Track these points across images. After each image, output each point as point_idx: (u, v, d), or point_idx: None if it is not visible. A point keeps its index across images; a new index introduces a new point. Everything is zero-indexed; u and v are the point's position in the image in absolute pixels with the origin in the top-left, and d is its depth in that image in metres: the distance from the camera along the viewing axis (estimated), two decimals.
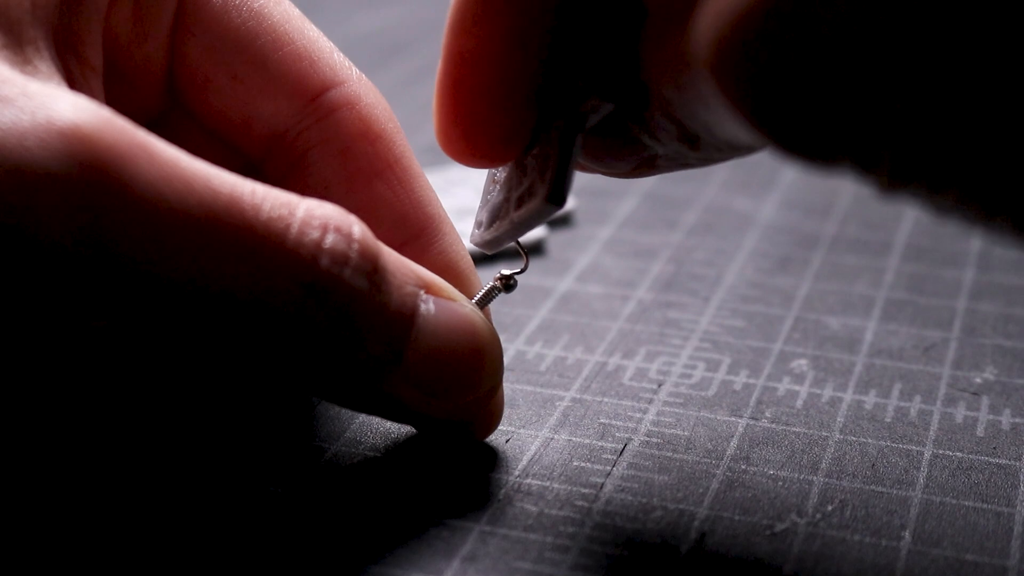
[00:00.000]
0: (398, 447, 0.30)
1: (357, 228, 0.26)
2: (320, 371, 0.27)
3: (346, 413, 0.31)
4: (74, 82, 0.27)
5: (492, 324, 0.29)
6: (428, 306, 0.27)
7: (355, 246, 0.26)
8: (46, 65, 0.26)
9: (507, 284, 0.30)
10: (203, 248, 0.24)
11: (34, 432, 0.30)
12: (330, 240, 0.26)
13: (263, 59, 0.30)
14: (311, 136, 0.30)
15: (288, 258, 0.25)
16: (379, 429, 0.31)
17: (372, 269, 0.26)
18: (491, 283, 0.30)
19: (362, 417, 0.31)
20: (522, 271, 0.30)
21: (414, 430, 0.31)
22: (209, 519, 0.27)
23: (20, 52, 0.25)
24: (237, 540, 0.27)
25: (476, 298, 0.30)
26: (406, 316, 0.27)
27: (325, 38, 0.31)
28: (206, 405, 0.31)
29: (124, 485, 0.28)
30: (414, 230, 0.30)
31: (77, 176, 0.23)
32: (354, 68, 0.31)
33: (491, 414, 0.30)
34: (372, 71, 0.33)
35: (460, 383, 0.28)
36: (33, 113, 0.23)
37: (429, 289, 0.28)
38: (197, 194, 0.24)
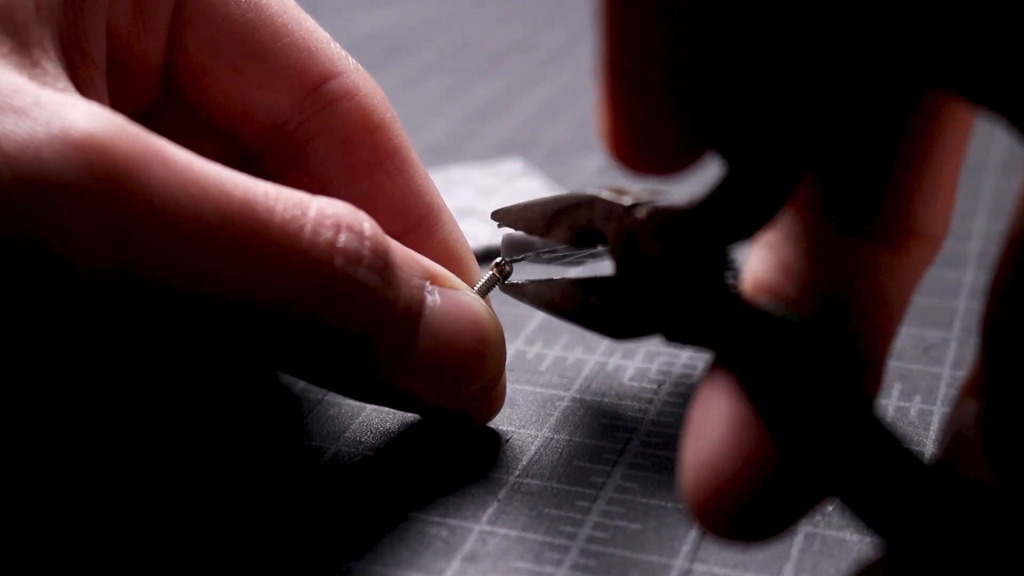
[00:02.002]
0: (398, 447, 0.30)
1: (368, 225, 0.27)
2: (330, 366, 0.27)
3: (346, 413, 0.31)
4: (78, 79, 0.27)
5: (494, 312, 0.29)
6: (434, 297, 0.28)
7: (367, 244, 0.26)
8: (53, 65, 0.26)
9: (503, 272, 0.31)
10: (220, 253, 0.24)
11: (35, 432, 0.30)
12: (343, 239, 0.26)
13: (263, 50, 0.30)
14: (311, 127, 0.31)
15: (303, 259, 0.25)
16: (379, 429, 0.31)
17: (383, 265, 0.26)
18: (489, 273, 0.31)
19: (362, 417, 0.31)
20: (519, 259, 0.30)
21: (414, 430, 0.31)
22: (209, 519, 0.27)
23: (27, 55, 0.25)
24: (237, 540, 0.27)
25: (477, 287, 0.30)
26: (414, 309, 0.27)
27: (321, 29, 0.31)
28: (206, 405, 0.31)
29: (124, 485, 0.28)
30: (415, 219, 0.31)
31: (95, 187, 0.23)
32: (350, 59, 0.31)
33: (495, 399, 0.30)
34: (373, 71, 0.33)
35: (465, 371, 0.28)
36: (48, 124, 0.23)
37: (434, 280, 0.28)
38: (212, 199, 0.24)
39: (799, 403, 0.20)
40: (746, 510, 0.21)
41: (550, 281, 0.26)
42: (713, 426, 0.21)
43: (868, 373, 0.23)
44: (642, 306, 0.23)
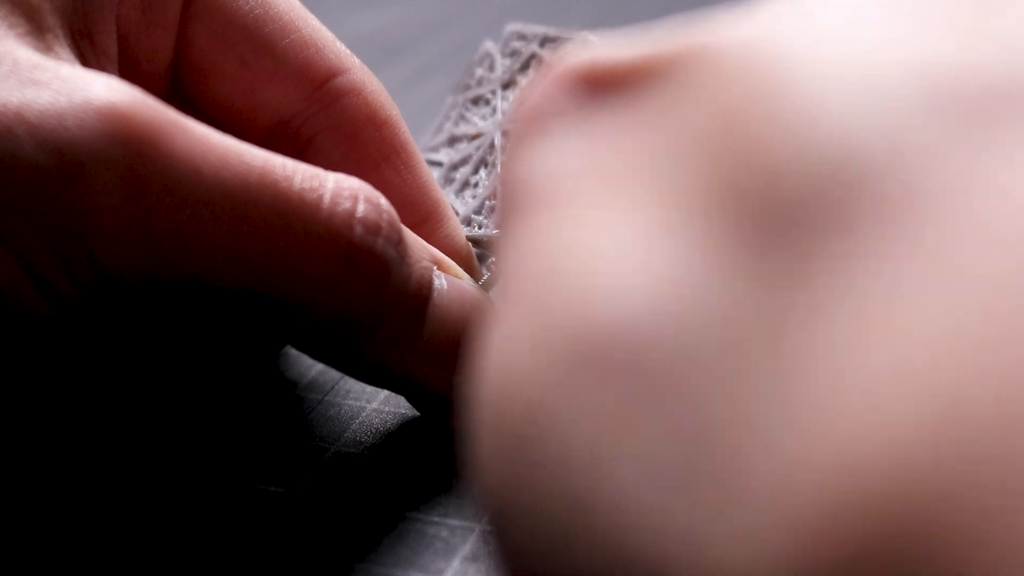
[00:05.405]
0: (398, 447, 0.30)
1: (383, 200, 0.27)
2: (341, 343, 0.27)
3: (346, 413, 0.31)
4: (91, 68, 0.27)
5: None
6: (441, 281, 0.28)
7: (385, 216, 0.27)
8: (66, 52, 0.26)
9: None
10: (241, 221, 0.25)
11: (34, 432, 0.30)
12: (362, 210, 0.26)
13: (271, 46, 0.31)
14: (318, 122, 0.31)
15: (323, 228, 0.26)
16: (379, 429, 0.31)
17: (399, 239, 0.27)
18: (488, 272, 0.31)
19: (362, 417, 0.31)
20: None
21: (414, 431, 0.31)
22: (209, 519, 0.27)
23: (42, 39, 0.26)
24: (237, 540, 0.27)
25: (480, 283, 0.31)
26: (424, 289, 0.28)
27: (325, 28, 0.32)
28: (206, 405, 0.31)
29: (123, 485, 0.28)
30: (421, 214, 0.31)
31: (118, 154, 0.23)
32: (354, 57, 0.32)
33: None
34: (373, 71, 0.33)
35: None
36: (69, 95, 0.24)
37: (439, 266, 0.28)
38: (232, 168, 0.25)
39: None
40: None
41: None
42: None
43: None
44: None
